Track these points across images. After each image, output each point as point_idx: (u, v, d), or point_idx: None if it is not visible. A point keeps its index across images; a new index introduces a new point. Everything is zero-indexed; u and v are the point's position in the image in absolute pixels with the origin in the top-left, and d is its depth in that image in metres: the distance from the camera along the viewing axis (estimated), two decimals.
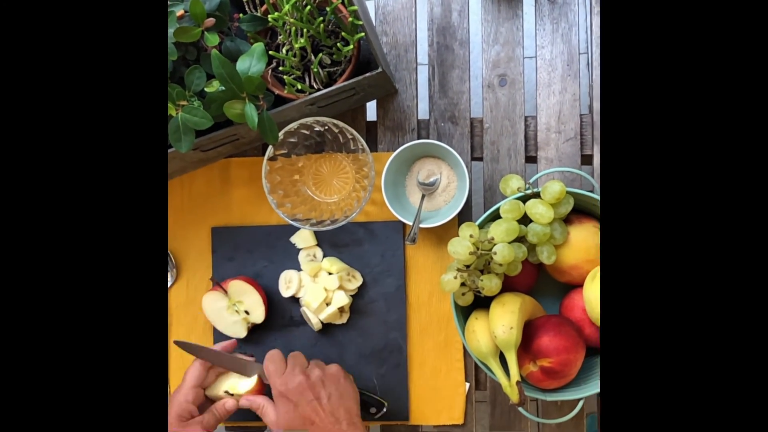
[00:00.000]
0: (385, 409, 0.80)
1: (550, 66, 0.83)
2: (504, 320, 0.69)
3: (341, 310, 0.82)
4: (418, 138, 0.85)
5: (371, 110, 0.86)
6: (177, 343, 0.75)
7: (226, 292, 0.81)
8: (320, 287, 0.81)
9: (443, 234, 0.83)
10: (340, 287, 0.82)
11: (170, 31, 0.67)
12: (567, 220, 0.74)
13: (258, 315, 0.81)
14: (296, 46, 0.72)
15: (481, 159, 0.84)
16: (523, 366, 0.72)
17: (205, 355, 0.75)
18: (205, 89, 0.69)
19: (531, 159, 0.83)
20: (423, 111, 0.85)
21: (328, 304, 0.81)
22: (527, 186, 0.73)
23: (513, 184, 0.73)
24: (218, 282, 0.83)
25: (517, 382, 0.67)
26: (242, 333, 0.82)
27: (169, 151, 0.74)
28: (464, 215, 0.83)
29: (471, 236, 0.69)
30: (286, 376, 0.71)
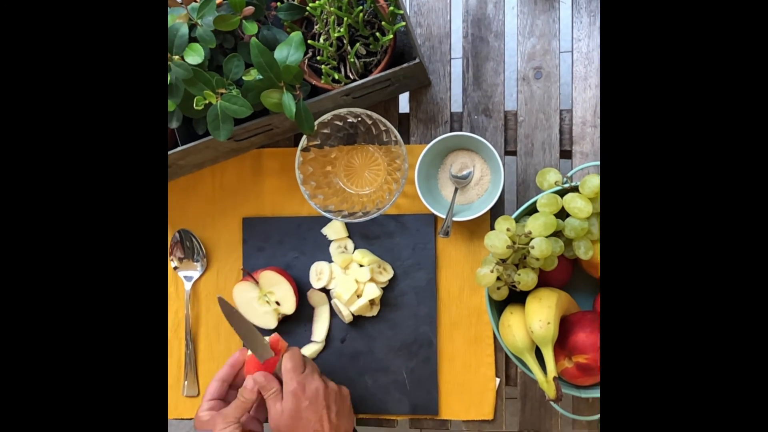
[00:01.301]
0: None
1: (586, 59, 0.82)
2: (541, 315, 0.68)
3: (372, 302, 0.82)
4: (451, 131, 0.84)
5: (404, 102, 0.86)
6: (220, 299, 0.75)
7: (257, 282, 0.81)
8: (351, 279, 0.81)
9: (475, 228, 0.82)
10: (371, 279, 0.81)
11: (210, 19, 0.67)
12: None
13: (289, 306, 0.81)
14: (334, 35, 0.72)
15: (514, 153, 0.83)
16: (558, 362, 0.71)
17: (234, 319, 0.74)
18: (243, 78, 0.69)
19: (565, 153, 0.82)
20: (456, 103, 0.84)
21: (359, 296, 0.81)
22: (565, 180, 0.73)
23: (550, 177, 0.73)
24: (249, 272, 0.82)
25: (554, 378, 0.66)
26: (273, 324, 0.82)
27: (202, 140, 0.74)
28: (497, 210, 0.82)
29: (508, 230, 0.69)
30: (306, 376, 0.71)
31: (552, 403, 0.68)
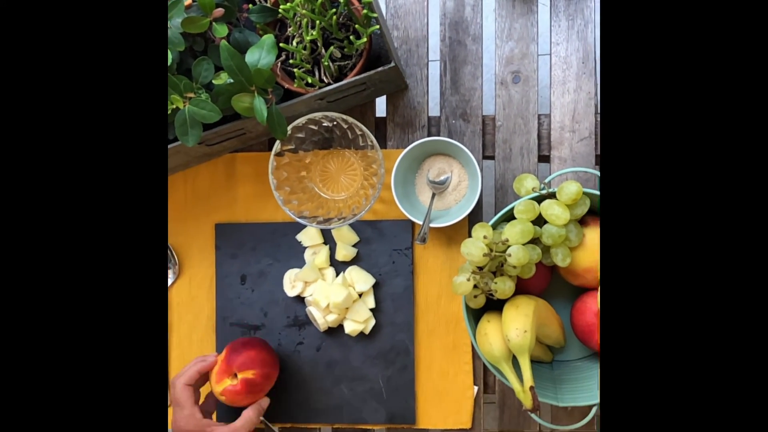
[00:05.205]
0: None
1: (564, 63, 0.81)
2: (518, 324, 0.67)
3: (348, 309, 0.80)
4: (428, 135, 0.83)
5: (380, 106, 0.84)
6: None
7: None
8: (330, 286, 0.79)
9: (453, 234, 0.81)
10: (348, 285, 0.79)
11: (178, 21, 0.65)
12: (582, 222, 0.72)
13: None
14: (307, 38, 0.70)
15: (492, 158, 0.82)
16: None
17: None
18: (213, 81, 0.67)
19: (544, 158, 0.82)
20: (434, 108, 0.83)
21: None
22: (542, 186, 0.72)
23: (528, 184, 0.71)
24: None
25: (531, 388, 0.65)
26: None
27: (173, 145, 0.72)
28: (475, 215, 0.81)
29: (485, 237, 0.67)
30: None
31: (530, 413, 0.67)
